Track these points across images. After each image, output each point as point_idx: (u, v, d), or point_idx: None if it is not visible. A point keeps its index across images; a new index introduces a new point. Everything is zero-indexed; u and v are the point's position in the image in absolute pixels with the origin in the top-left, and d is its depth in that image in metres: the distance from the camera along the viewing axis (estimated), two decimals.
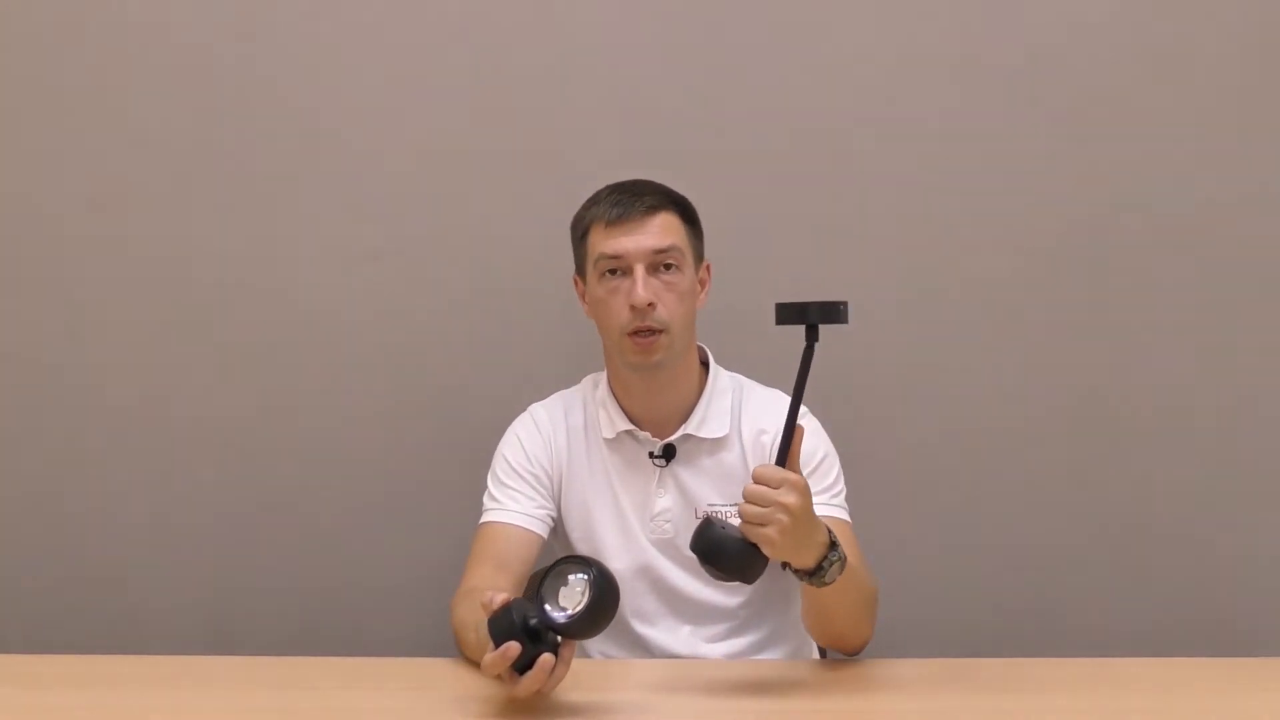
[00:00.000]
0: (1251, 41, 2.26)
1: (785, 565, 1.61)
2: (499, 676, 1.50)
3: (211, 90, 2.27)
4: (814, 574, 1.59)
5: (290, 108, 2.27)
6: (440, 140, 2.26)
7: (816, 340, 1.57)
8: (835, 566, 1.60)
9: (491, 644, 1.49)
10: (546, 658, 1.48)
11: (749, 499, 1.55)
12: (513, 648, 1.47)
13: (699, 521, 1.60)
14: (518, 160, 2.27)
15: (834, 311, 1.57)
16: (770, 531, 1.53)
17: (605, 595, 1.50)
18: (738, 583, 1.62)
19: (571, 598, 1.51)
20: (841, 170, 2.27)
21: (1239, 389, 2.29)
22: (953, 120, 2.26)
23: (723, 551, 1.56)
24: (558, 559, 1.56)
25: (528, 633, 1.48)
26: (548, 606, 1.51)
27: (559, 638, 1.50)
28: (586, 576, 1.51)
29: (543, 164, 2.26)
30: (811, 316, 1.56)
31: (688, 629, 1.90)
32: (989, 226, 2.27)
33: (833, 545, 1.60)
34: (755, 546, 1.55)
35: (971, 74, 2.25)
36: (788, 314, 1.58)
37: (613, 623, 1.88)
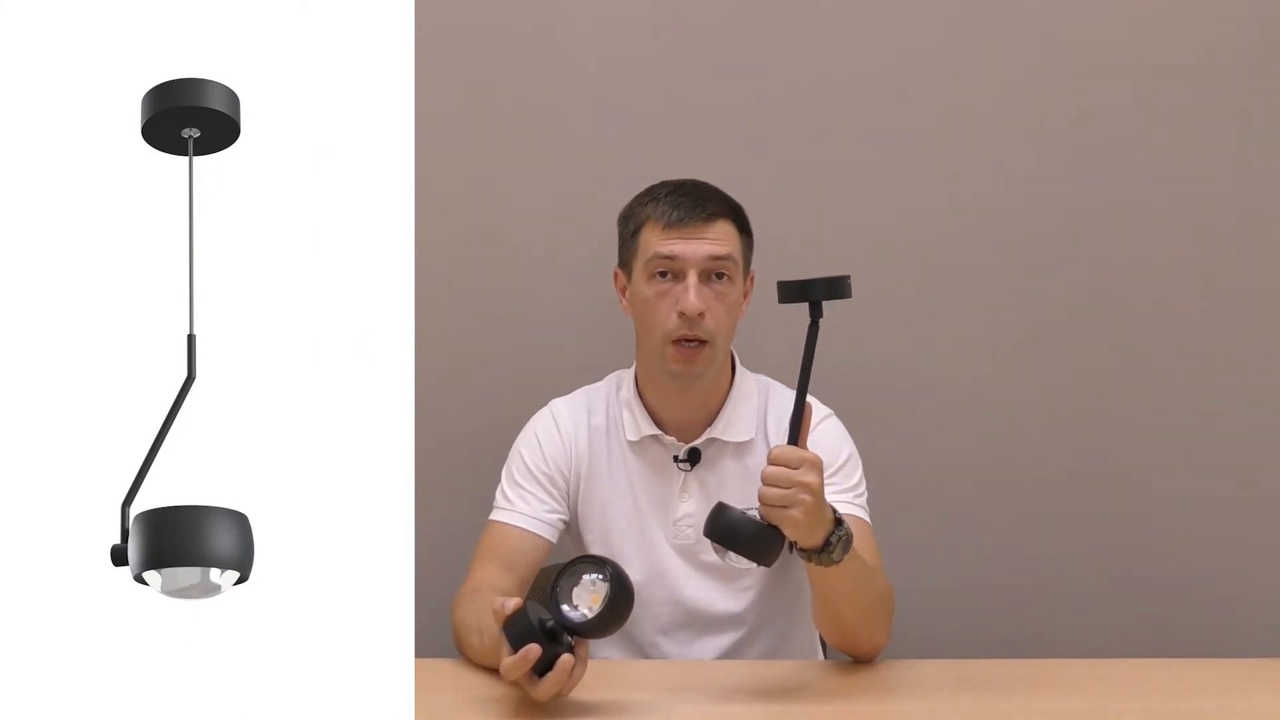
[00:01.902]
0: (1253, 40, 2.26)
1: (793, 547, 1.59)
2: (514, 681, 1.51)
3: None
4: (821, 551, 1.57)
5: None
6: (449, 137, 2.25)
7: (820, 317, 1.54)
8: (841, 543, 1.58)
9: (508, 648, 1.49)
10: (566, 658, 1.48)
11: (769, 481, 1.53)
12: (533, 650, 1.47)
13: (712, 508, 1.57)
14: (526, 158, 2.26)
15: (837, 287, 1.54)
16: (795, 513, 1.52)
17: (621, 594, 1.51)
18: (755, 566, 1.58)
19: (586, 597, 1.51)
20: (847, 170, 2.27)
21: (1239, 388, 2.29)
22: (959, 118, 2.26)
23: (739, 534, 1.53)
24: (571, 559, 1.56)
25: (546, 634, 1.49)
26: (564, 607, 1.51)
27: (572, 638, 1.51)
28: (601, 576, 1.52)
29: (555, 161, 2.26)
30: (814, 293, 1.54)
31: (699, 640, 1.89)
32: (989, 226, 2.27)
33: (838, 522, 1.59)
34: (773, 528, 1.53)
35: (973, 72, 2.26)
36: (790, 292, 1.55)
37: (622, 629, 1.89)
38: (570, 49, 2.26)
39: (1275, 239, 2.28)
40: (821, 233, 2.26)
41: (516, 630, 1.49)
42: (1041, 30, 2.25)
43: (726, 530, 1.54)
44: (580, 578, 1.52)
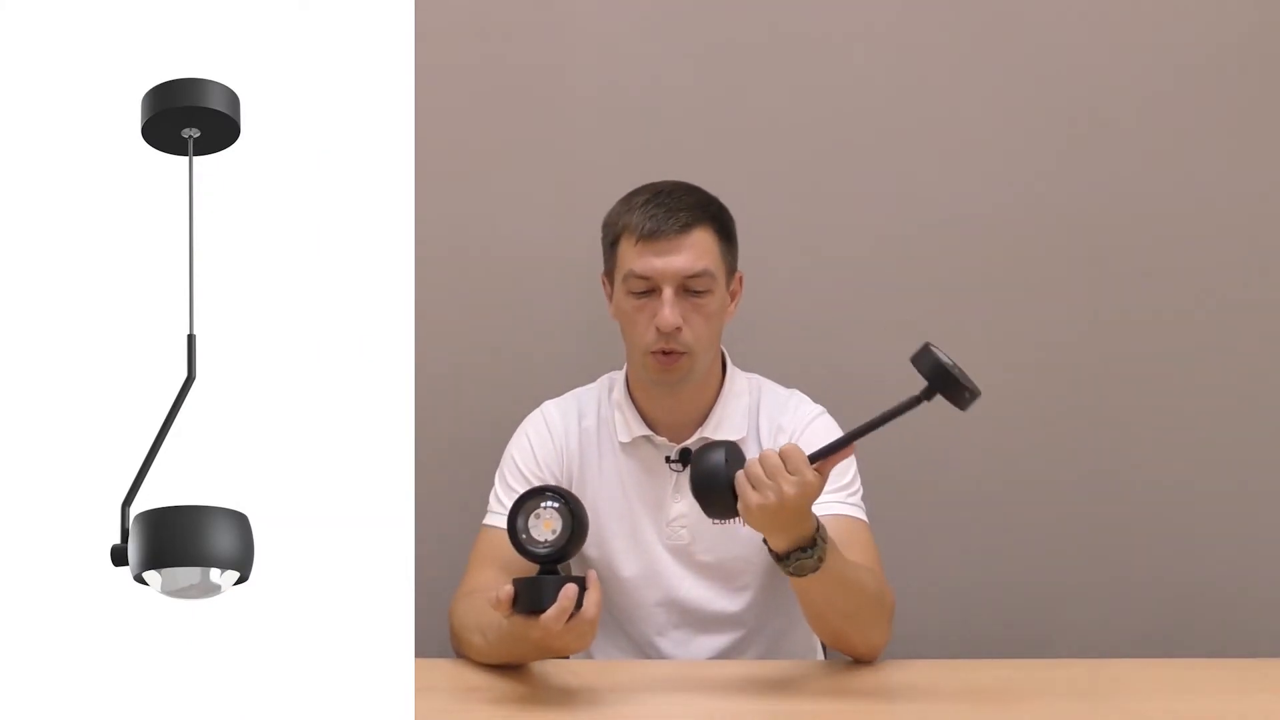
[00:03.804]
0: (1254, 41, 2.26)
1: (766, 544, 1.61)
2: (556, 636, 1.55)
3: None
4: (783, 560, 1.58)
5: None
6: (449, 138, 2.25)
7: (928, 400, 1.52)
8: (809, 562, 1.57)
9: (534, 614, 1.54)
10: (589, 573, 1.57)
11: (760, 462, 1.54)
12: (571, 588, 1.53)
13: (713, 443, 1.60)
14: (526, 159, 2.26)
15: (959, 390, 1.51)
16: (753, 498, 1.53)
17: (574, 506, 1.58)
18: (714, 518, 1.60)
19: (541, 528, 1.58)
20: (849, 174, 2.26)
21: (1240, 389, 2.29)
22: (964, 125, 2.26)
23: (707, 477, 1.56)
24: (510, 511, 1.60)
25: (555, 579, 1.56)
26: (533, 549, 1.57)
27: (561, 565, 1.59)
28: (545, 503, 1.58)
29: (554, 163, 2.26)
30: (936, 381, 1.51)
31: (696, 639, 1.89)
32: (991, 230, 2.27)
33: (813, 544, 1.58)
34: (735, 496, 1.55)
35: (977, 78, 2.26)
36: (923, 363, 1.53)
37: (620, 629, 1.90)
38: (570, 50, 2.26)
39: (1276, 246, 2.28)
40: (823, 237, 2.26)
41: (531, 595, 1.54)
42: (1049, 36, 2.25)
43: (702, 466, 1.57)
44: (529, 517, 1.58)
